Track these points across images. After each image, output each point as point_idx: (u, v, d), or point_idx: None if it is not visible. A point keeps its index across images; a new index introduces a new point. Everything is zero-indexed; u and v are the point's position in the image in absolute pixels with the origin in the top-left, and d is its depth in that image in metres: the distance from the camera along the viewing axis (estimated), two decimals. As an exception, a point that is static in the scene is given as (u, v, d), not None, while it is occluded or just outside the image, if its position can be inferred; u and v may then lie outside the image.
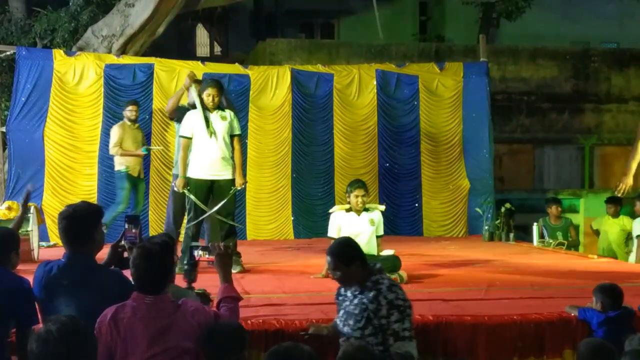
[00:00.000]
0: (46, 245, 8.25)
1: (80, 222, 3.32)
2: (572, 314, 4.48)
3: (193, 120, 6.48)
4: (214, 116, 6.45)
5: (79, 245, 3.31)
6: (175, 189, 6.58)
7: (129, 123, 8.48)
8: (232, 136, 6.52)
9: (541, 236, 8.85)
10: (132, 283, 3.28)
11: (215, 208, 6.43)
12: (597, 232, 9.24)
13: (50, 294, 3.26)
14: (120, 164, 8.45)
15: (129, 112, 8.48)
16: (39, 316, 3.34)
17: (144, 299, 3.10)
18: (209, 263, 3.67)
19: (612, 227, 8.94)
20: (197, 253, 3.71)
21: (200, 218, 6.44)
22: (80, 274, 3.26)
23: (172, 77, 9.36)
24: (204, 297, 3.70)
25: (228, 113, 6.54)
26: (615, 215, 8.97)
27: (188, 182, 6.45)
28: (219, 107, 6.50)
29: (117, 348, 3.04)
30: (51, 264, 3.34)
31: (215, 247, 3.56)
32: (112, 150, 8.44)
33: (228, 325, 3.25)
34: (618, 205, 8.98)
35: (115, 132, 8.42)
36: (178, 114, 7.02)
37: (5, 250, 3.65)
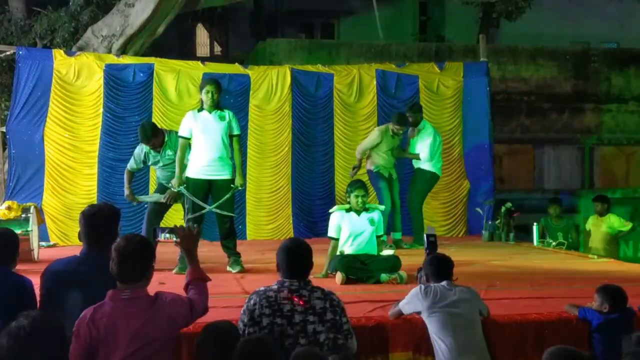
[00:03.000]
0: (46, 245, 8.25)
1: (102, 222, 3.54)
2: (572, 313, 4.49)
3: (191, 121, 6.48)
4: (213, 116, 6.46)
5: (95, 243, 3.51)
6: (172, 188, 6.58)
7: (391, 133, 8.29)
8: (231, 136, 6.53)
9: (542, 236, 8.85)
10: None
11: (214, 205, 6.43)
12: (589, 233, 9.23)
13: (61, 285, 3.40)
14: (371, 163, 8.33)
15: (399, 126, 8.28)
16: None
17: (120, 296, 3.13)
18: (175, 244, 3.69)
19: (597, 226, 8.93)
20: (164, 235, 3.73)
21: (198, 214, 6.43)
22: (92, 270, 3.42)
23: (172, 77, 9.36)
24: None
25: (227, 113, 6.54)
26: (603, 214, 8.94)
27: (186, 182, 6.46)
28: (218, 107, 6.51)
29: (99, 347, 3.08)
30: (67, 259, 3.55)
31: (180, 229, 3.63)
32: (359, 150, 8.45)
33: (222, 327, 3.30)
34: (605, 203, 8.97)
35: (375, 135, 8.31)
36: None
37: (11, 251, 3.74)
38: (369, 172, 8.38)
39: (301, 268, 3.70)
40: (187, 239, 3.59)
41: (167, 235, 3.71)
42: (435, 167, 8.48)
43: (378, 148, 8.27)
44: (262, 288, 3.65)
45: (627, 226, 8.88)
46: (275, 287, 3.64)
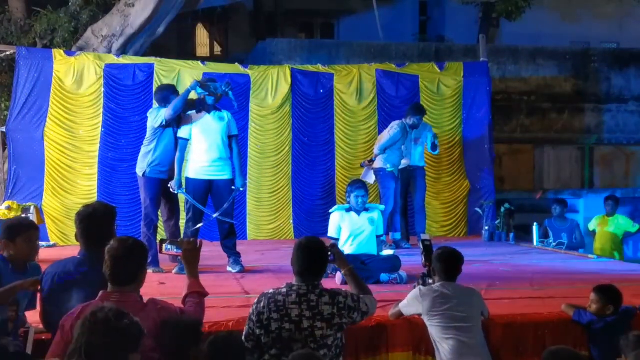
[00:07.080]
0: (46, 246, 8.24)
1: (98, 222, 3.54)
2: (568, 314, 4.48)
3: (191, 122, 6.48)
4: (212, 117, 6.46)
5: (93, 244, 3.49)
6: (171, 189, 6.57)
7: (408, 129, 8.35)
8: (229, 137, 6.53)
9: (546, 236, 8.85)
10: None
11: (219, 212, 6.42)
12: (593, 233, 9.24)
13: (62, 288, 3.41)
14: (387, 161, 8.24)
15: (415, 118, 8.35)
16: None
17: (110, 298, 3.14)
18: (176, 258, 3.72)
19: (604, 226, 8.95)
20: (165, 247, 3.77)
21: (199, 225, 6.44)
22: (91, 270, 3.41)
23: (172, 77, 9.35)
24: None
25: (225, 114, 6.56)
26: (612, 214, 8.95)
27: (186, 183, 6.46)
28: (217, 107, 6.51)
29: None
30: (66, 261, 3.55)
31: (184, 242, 3.65)
32: (377, 149, 8.37)
33: (184, 320, 3.29)
34: (616, 203, 8.99)
35: (396, 131, 8.23)
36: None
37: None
38: (381, 170, 8.28)
39: (310, 269, 3.58)
40: (189, 253, 3.60)
41: (170, 247, 3.76)
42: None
43: (395, 145, 8.24)
44: (271, 290, 3.60)
45: (635, 227, 8.92)
46: (284, 290, 3.55)
